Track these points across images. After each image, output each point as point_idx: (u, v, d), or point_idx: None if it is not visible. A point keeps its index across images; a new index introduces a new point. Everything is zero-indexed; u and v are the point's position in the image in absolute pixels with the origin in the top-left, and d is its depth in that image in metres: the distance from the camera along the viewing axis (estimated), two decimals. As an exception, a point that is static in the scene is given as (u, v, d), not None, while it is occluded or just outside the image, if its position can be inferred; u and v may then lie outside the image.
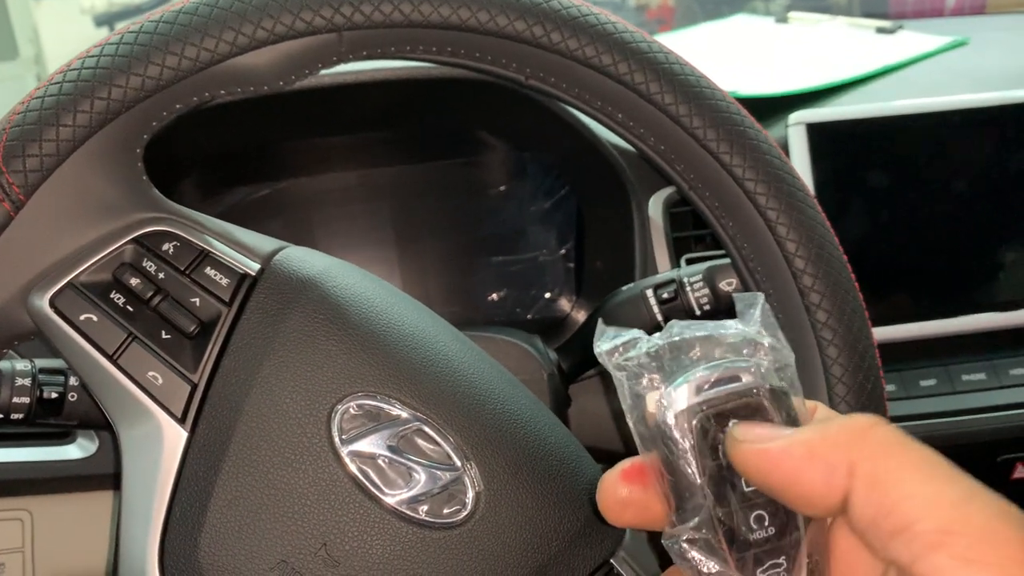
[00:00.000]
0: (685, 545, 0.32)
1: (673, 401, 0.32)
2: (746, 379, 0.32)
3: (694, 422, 0.31)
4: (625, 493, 0.33)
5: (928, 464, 0.29)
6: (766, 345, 0.33)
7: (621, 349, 0.33)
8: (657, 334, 0.33)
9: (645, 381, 0.33)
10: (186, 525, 0.43)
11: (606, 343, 0.33)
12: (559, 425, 0.48)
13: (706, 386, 0.32)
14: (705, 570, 0.32)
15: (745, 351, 0.32)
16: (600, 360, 0.33)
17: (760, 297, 0.34)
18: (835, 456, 0.30)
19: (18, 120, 0.45)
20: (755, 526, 0.31)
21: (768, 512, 0.32)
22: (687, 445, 0.31)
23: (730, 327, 0.33)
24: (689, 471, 0.32)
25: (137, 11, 1.88)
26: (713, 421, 0.31)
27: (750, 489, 0.31)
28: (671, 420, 0.32)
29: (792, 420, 0.32)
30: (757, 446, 0.31)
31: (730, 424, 0.31)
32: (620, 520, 0.34)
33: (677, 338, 0.33)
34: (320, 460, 0.43)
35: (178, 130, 0.49)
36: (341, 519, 0.42)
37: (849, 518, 0.30)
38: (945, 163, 0.82)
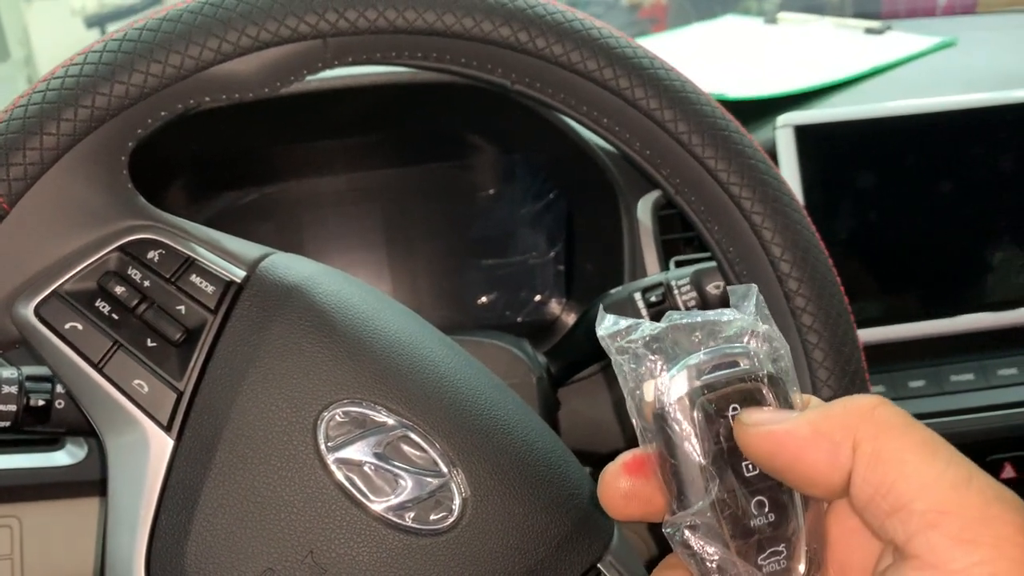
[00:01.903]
0: (687, 532, 0.32)
1: (674, 384, 0.32)
2: (744, 364, 0.32)
3: (695, 408, 0.32)
4: (627, 485, 0.33)
5: (929, 445, 0.29)
6: (762, 334, 0.33)
7: (623, 333, 0.33)
8: (657, 321, 0.34)
9: (646, 365, 0.33)
10: (172, 533, 0.42)
11: (608, 327, 0.34)
12: (547, 430, 0.49)
13: (706, 370, 0.32)
14: (706, 557, 0.32)
15: (743, 340, 0.33)
16: (602, 344, 0.34)
17: (754, 288, 0.34)
18: (839, 435, 0.30)
19: (1, 128, 0.45)
20: (755, 512, 0.32)
21: (768, 499, 0.32)
22: (688, 428, 0.32)
23: (728, 315, 0.33)
24: (691, 454, 0.32)
25: (129, 12, 1.87)
26: (714, 405, 0.32)
27: (751, 474, 0.32)
28: (673, 403, 0.32)
29: (789, 407, 0.32)
30: (763, 428, 0.31)
31: (730, 408, 0.32)
32: (622, 514, 0.34)
33: (678, 322, 0.33)
34: (306, 468, 0.43)
35: (165, 135, 0.49)
36: (327, 527, 0.42)
37: (849, 497, 0.30)
38: (933, 164, 0.82)
